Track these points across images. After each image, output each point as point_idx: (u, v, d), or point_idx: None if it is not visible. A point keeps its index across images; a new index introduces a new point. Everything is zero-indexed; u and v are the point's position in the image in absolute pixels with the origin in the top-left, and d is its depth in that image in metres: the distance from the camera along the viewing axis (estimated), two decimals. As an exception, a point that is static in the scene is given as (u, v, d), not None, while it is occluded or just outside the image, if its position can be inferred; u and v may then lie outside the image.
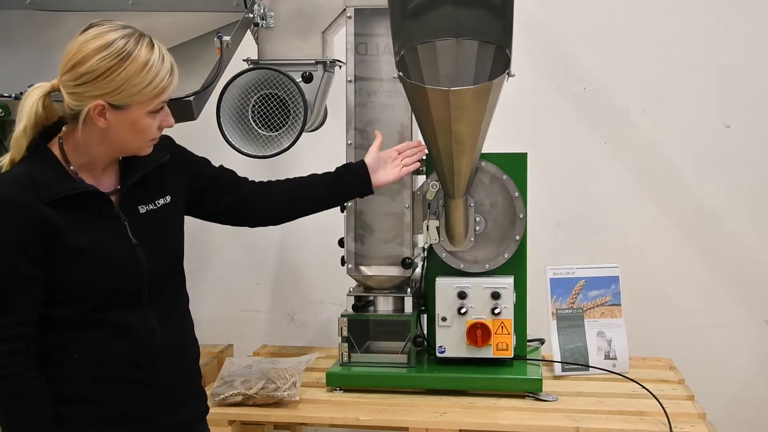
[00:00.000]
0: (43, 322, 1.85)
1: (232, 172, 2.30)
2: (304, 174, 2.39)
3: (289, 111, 2.71)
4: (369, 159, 2.50)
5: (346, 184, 2.46)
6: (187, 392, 2.06)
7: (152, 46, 1.85)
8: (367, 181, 2.47)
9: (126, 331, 1.90)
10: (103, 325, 1.88)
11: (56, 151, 1.89)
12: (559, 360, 2.84)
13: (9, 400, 1.82)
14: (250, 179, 2.34)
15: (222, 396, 2.56)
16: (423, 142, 2.55)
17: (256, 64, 2.75)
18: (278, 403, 2.56)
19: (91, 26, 1.85)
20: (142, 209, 1.97)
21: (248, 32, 2.76)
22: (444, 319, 2.67)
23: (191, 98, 2.39)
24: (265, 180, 2.39)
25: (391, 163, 2.54)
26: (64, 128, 1.90)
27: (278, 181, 2.41)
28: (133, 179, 1.96)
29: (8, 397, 1.81)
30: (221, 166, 2.26)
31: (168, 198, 2.03)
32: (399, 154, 2.57)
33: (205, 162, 2.22)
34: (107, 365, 1.89)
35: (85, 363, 1.88)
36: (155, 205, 2.00)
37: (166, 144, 2.06)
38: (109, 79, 1.79)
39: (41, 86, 1.88)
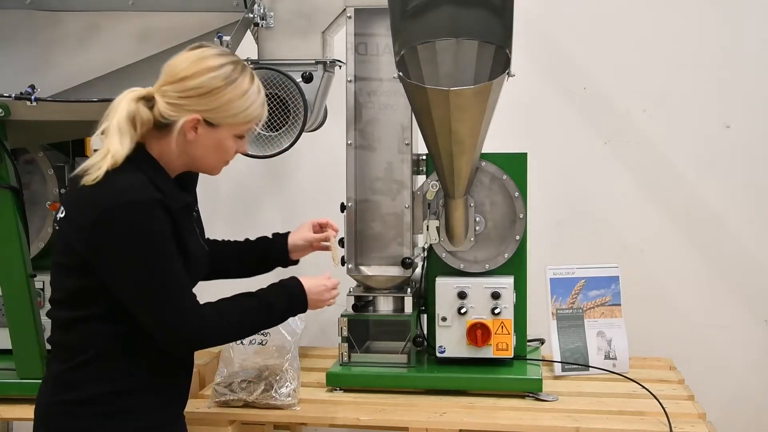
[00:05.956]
0: (117, 315, 1.95)
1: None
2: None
3: (289, 111, 2.72)
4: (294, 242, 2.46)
5: (271, 261, 2.47)
6: None
7: (252, 78, 2.01)
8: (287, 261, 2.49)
9: None
10: None
11: None
12: (559, 360, 2.84)
13: (231, 328, 2.06)
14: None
15: (224, 398, 2.57)
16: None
17: (256, 64, 2.75)
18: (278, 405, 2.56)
19: (200, 46, 2.00)
20: (194, 215, 2.14)
21: (248, 32, 2.76)
22: (444, 319, 2.67)
23: (191, 98, 2.39)
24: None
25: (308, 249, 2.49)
26: (144, 137, 1.99)
27: (223, 242, 2.42)
28: (193, 192, 2.13)
29: (228, 328, 2.05)
30: None
31: (197, 206, 2.19)
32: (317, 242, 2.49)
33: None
34: (166, 356, 2.03)
35: (148, 354, 2.00)
36: (197, 213, 2.17)
37: None
38: (213, 98, 1.94)
39: (135, 90, 1.98)
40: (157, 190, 1.91)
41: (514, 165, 2.72)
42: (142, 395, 2.00)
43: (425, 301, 2.82)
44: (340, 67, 2.85)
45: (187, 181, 2.11)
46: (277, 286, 2.14)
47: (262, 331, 2.62)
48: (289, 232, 2.45)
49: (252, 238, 2.47)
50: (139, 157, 1.95)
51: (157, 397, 2.04)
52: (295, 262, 2.48)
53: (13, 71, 2.60)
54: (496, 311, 2.64)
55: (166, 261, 1.91)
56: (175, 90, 1.94)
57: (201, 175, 2.18)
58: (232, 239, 2.44)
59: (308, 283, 2.16)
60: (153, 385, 2.03)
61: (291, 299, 2.13)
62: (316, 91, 2.76)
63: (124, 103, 1.94)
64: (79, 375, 1.97)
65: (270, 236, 2.46)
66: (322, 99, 2.86)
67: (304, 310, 2.17)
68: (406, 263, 2.74)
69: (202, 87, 1.93)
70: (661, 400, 2.50)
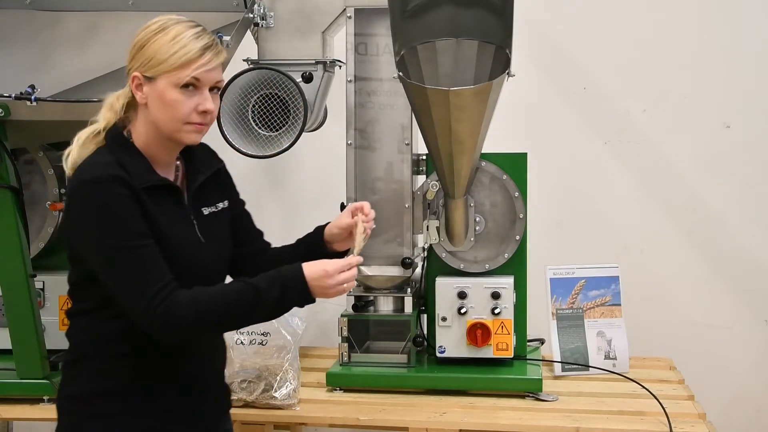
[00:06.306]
0: (106, 312, 1.90)
1: (258, 229, 2.25)
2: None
3: (289, 111, 2.72)
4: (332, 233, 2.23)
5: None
6: (220, 388, 2.13)
7: (191, 27, 1.92)
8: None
9: None
10: None
11: None
12: (559, 360, 2.84)
13: (218, 313, 1.88)
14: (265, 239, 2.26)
15: None
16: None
17: (256, 64, 2.75)
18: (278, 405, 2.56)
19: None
20: (206, 211, 2.04)
21: (248, 32, 2.76)
22: (444, 319, 2.67)
23: (191, 98, 2.39)
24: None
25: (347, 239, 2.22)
26: (130, 122, 1.97)
27: (275, 248, 2.26)
28: (198, 181, 2.04)
29: (204, 309, 1.86)
30: (249, 214, 2.24)
31: (226, 203, 2.11)
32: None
33: (241, 200, 2.22)
34: (158, 358, 1.94)
35: (136, 356, 1.93)
36: (216, 207, 2.08)
37: (215, 156, 2.15)
38: (144, 50, 1.90)
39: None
40: (122, 169, 1.86)
41: (514, 165, 2.72)
42: (129, 400, 1.93)
43: (425, 301, 2.82)
44: (340, 67, 2.85)
45: (192, 163, 2.05)
46: (273, 272, 1.93)
47: (262, 331, 2.61)
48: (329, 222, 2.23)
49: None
50: (111, 139, 1.93)
51: (148, 404, 1.94)
52: (342, 254, 2.19)
53: (13, 71, 2.60)
54: (496, 311, 2.64)
55: (128, 237, 1.83)
56: (127, 58, 1.95)
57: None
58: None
59: (308, 269, 1.92)
60: (141, 389, 1.93)
61: (286, 286, 1.90)
62: (316, 91, 2.76)
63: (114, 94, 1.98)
64: (73, 371, 1.96)
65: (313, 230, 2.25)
66: (322, 99, 2.86)
67: (310, 299, 1.93)
68: (406, 263, 2.74)
69: (136, 43, 1.92)
70: (661, 400, 2.50)
